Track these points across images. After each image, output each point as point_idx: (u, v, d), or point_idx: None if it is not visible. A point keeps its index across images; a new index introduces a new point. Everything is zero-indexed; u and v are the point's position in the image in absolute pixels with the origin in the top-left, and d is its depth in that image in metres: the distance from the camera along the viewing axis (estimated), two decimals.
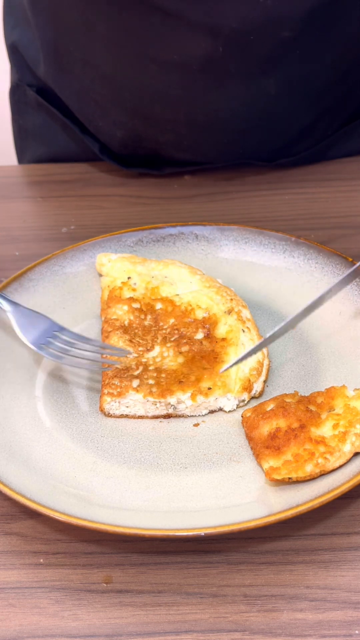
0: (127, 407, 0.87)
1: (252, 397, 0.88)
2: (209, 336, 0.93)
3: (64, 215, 1.23)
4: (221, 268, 1.05)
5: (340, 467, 0.78)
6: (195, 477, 0.81)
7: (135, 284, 0.99)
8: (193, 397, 0.86)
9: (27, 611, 0.73)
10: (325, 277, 1.01)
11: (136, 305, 0.97)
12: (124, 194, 1.27)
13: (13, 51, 1.33)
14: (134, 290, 0.99)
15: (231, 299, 0.97)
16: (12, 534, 0.79)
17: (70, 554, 0.77)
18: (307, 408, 0.82)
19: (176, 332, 0.94)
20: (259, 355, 0.90)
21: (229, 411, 0.87)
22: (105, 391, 0.87)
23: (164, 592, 0.74)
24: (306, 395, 0.86)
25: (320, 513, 0.79)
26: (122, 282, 0.99)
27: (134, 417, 0.87)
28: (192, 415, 0.88)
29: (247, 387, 0.88)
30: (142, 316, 0.96)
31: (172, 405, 0.87)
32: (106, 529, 0.73)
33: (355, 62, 1.19)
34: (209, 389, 0.87)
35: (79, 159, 1.34)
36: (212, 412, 0.88)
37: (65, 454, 0.84)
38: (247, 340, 0.92)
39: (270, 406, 0.84)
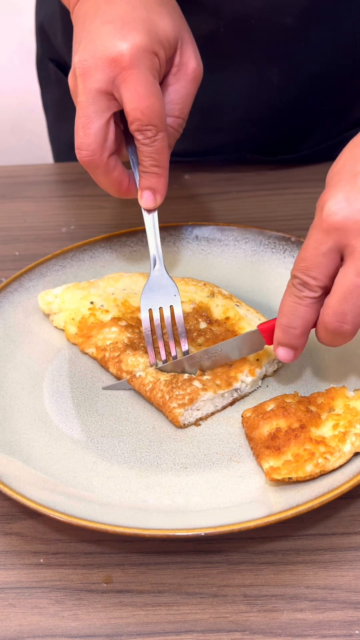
0: (199, 409, 0.86)
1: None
2: (212, 322, 0.95)
3: (64, 215, 1.23)
4: (221, 268, 1.05)
5: (340, 467, 0.78)
6: (195, 477, 0.81)
7: (103, 305, 0.97)
8: (251, 372, 0.89)
9: (27, 611, 0.73)
10: None
11: (122, 323, 0.95)
12: None
13: (40, 29, 1.36)
14: (107, 312, 0.97)
15: (204, 284, 0.99)
16: (12, 534, 0.79)
17: (70, 554, 0.77)
18: (307, 408, 0.82)
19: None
20: (263, 319, 0.95)
21: (274, 371, 0.92)
22: (175, 404, 0.85)
23: (164, 592, 0.74)
24: (306, 395, 0.86)
25: (320, 513, 0.79)
26: (90, 309, 0.97)
27: (207, 417, 0.87)
28: (252, 392, 0.90)
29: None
30: (137, 330, 0.95)
31: (237, 390, 0.88)
32: (106, 529, 0.73)
33: None
34: (257, 360, 0.90)
35: None
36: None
37: (65, 454, 0.84)
38: (245, 311, 0.96)
39: (271, 406, 0.84)
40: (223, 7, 1.08)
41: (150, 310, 0.91)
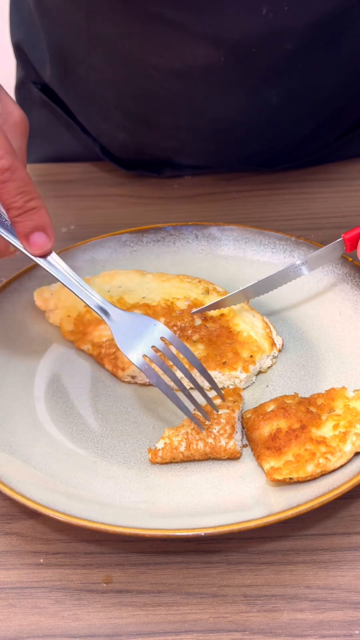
0: (237, 431, 0.85)
1: (279, 351, 0.94)
2: (206, 319, 0.95)
3: (64, 215, 1.23)
4: (221, 268, 1.05)
5: (341, 467, 0.78)
6: (196, 477, 0.81)
7: None
8: (245, 369, 0.89)
9: (27, 611, 0.73)
10: (326, 277, 1.01)
11: None
12: (124, 194, 1.27)
13: (18, 49, 1.34)
14: None
15: (199, 281, 0.99)
16: (12, 534, 0.79)
17: (70, 554, 0.77)
18: (307, 409, 0.82)
19: (175, 327, 0.94)
20: (257, 316, 0.96)
21: (268, 367, 0.92)
22: (224, 442, 0.82)
23: (164, 592, 0.74)
24: (306, 396, 0.86)
25: (320, 513, 0.79)
26: (85, 306, 0.95)
27: None
28: (246, 387, 0.90)
29: (272, 342, 0.93)
30: None
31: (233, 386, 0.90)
32: (106, 529, 0.73)
33: (357, 74, 1.19)
34: (251, 356, 0.90)
35: (82, 157, 1.34)
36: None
37: (65, 454, 0.84)
38: (240, 308, 0.96)
39: (271, 407, 0.84)
40: (225, 37, 1.06)
41: (144, 356, 0.79)
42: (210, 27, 1.06)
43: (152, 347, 0.80)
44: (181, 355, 0.82)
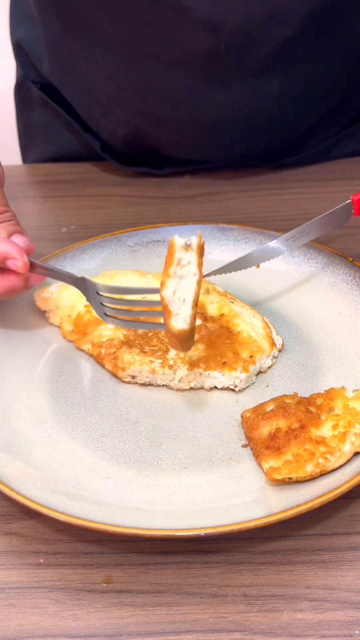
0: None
1: (279, 351, 0.94)
2: (206, 319, 0.95)
3: (64, 215, 1.23)
4: None
5: (340, 467, 0.78)
6: (195, 477, 0.81)
7: None
8: (245, 369, 0.89)
9: (27, 611, 0.73)
10: (326, 277, 1.01)
11: None
12: (124, 194, 1.27)
13: (18, 48, 1.34)
14: None
15: None
16: (12, 534, 0.79)
17: (70, 554, 0.77)
18: (306, 409, 0.82)
19: None
20: (257, 316, 0.96)
21: (268, 367, 0.92)
22: None
23: (164, 592, 0.74)
24: (306, 396, 0.86)
25: (320, 513, 0.79)
26: (86, 306, 0.97)
27: None
28: (246, 387, 0.90)
29: (272, 342, 0.93)
30: None
31: (235, 386, 0.90)
32: (106, 529, 0.73)
33: (358, 64, 1.19)
34: (251, 356, 0.90)
35: (82, 156, 1.34)
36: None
37: (65, 454, 0.84)
38: (240, 308, 0.96)
39: (270, 407, 0.84)
40: (225, 20, 1.07)
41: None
42: (211, 12, 1.06)
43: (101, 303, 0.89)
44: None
